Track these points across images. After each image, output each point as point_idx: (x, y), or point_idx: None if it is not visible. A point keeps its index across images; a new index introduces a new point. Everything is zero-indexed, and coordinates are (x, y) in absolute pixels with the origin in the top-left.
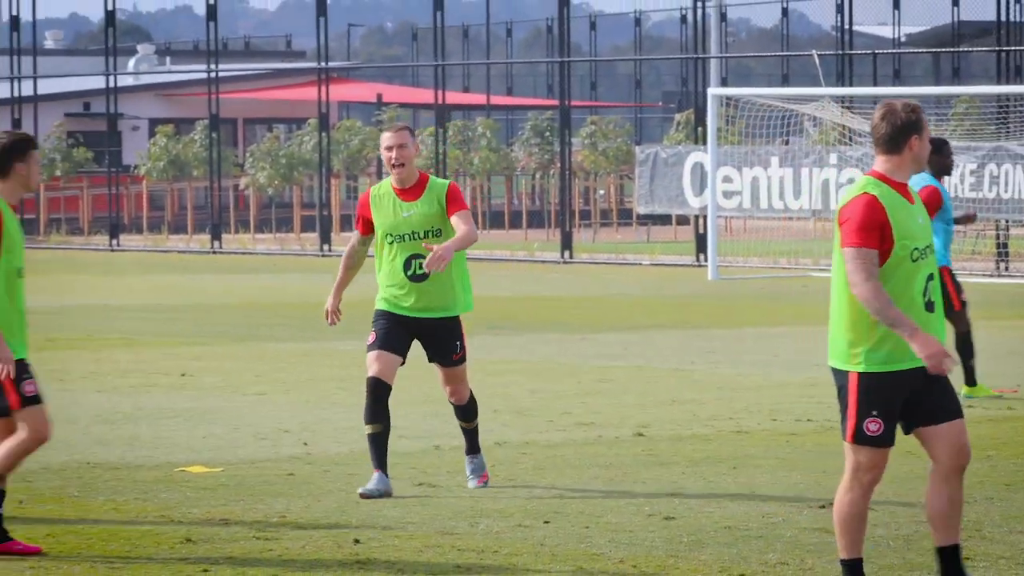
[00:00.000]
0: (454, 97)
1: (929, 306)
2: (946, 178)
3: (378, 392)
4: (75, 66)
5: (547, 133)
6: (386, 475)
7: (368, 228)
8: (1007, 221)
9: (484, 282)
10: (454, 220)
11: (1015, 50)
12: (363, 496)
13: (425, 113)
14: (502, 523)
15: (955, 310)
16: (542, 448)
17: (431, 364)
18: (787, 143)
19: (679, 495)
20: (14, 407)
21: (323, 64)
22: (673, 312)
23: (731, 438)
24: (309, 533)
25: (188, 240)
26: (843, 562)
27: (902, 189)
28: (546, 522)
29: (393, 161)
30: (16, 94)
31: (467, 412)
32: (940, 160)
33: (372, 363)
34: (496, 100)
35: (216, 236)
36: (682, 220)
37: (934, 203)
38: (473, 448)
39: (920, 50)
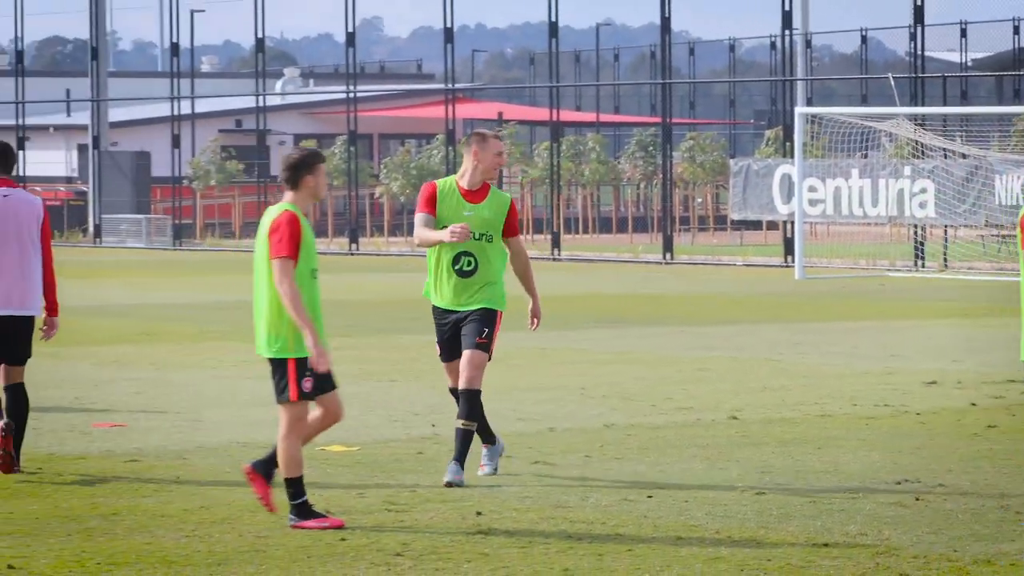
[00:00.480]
0: (567, 115)
1: None
2: None
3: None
4: (228, 87)
5: (650, 147)
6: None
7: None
8: None
9: (593, 281)
10: (514, 244)
11: None
12: (447, 485)
13: (541, 129)
14: (609, 497)
15: None
16: (646, 430)
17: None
18: (866, 156)
19: (769, 472)
20: (293, 399)
21: (450, 85)
22: (763, 308)
23: (816, 421)
24: (436, 506)
25: (329, 243)
26: None
27: None
28: (649, 496)
29: (501, 164)
30: (176, 112)
31: (473, 403)
32: None
33: (449, 374)
34: (605, 118)
35: (354, 239)
36: (772, 225)
37: None
38: (461, 455)
39: (985, 74)
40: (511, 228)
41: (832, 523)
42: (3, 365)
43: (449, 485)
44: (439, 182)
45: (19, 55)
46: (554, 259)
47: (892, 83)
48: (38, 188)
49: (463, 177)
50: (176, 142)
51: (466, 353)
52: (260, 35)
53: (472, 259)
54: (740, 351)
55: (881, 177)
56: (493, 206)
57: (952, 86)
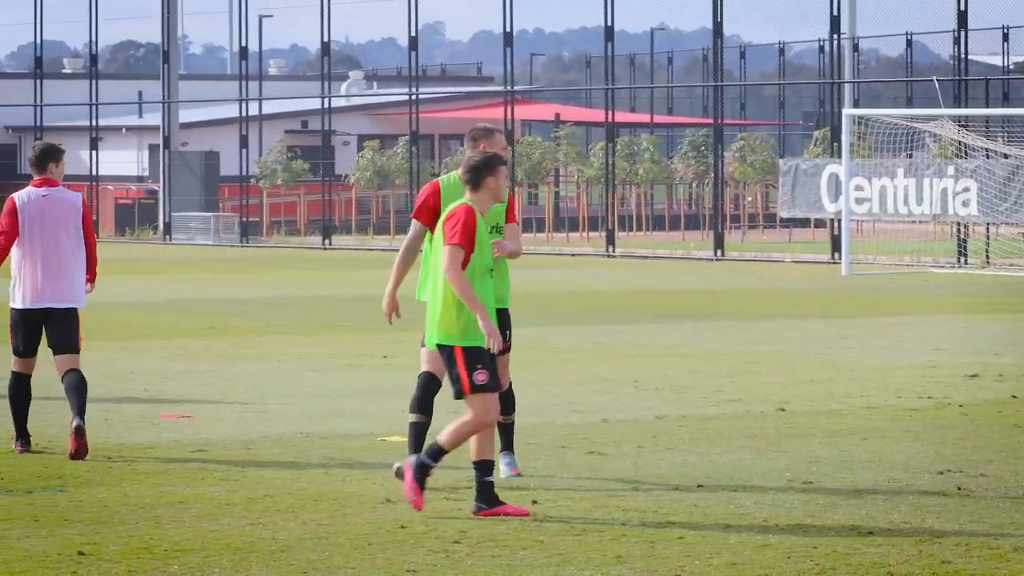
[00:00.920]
0: (622, 116)
1: None
2: None
3: (429, 387)
4: (295, 90)
5: (702, 148)
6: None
7: (433, 220)
8: None
9: (646, 277)
10: (509, 230)
11: None
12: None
13: (596, 130)
14: (661, 487)
15: None
16: (697, 421)
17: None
18: (911, 156)
19: (815, 462)
20: (466, 392)
21: (509, 88)
22: (811, 303)
23: (861, 413)
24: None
25: (391, 239)
26: None
27: None
28: (699, 486)
29: (505, 160)
30: (244, 114)
31: (509, 401)
32: None
33: (425, 361)
34: (658, 119)
35: None
36: (819, 223)
37: None
38: (508, 445)
39: None
40: (509, 215)
41: (876, 512)
42: (56, 357)
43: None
44: (442, 179)
45: (93, 59)
46: (608, 256)
47: (937, 86)
48: (110, 187)
49: None
50: (244, 142)
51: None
52: (326, 39)
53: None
54: (788, 345)
55: (926, 176)
56: None
57: (994, 88)
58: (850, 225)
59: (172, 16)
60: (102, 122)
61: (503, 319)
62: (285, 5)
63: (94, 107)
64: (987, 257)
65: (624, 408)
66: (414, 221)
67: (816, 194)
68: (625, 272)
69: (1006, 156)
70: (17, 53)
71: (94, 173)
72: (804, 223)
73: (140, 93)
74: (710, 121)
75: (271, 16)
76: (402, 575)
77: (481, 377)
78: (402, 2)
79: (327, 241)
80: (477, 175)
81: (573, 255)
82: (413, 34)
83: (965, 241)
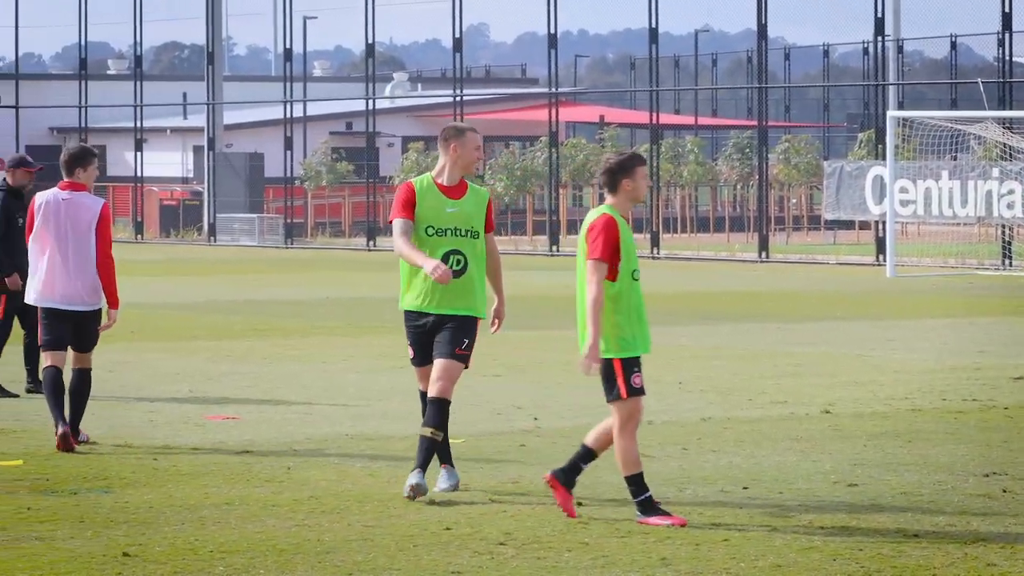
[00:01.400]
0: (666, 118)
1: None
2: None
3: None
4: (339, 91)
5: (747, 149)
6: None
7: (412, 212)
8: None
9: (691, 279)
10: (489, 241)
11: None
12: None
13: (641, 132)
14: (706, 489)
15: None
16: (742, 423)
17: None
18: (955, 159)
19: (860, 464)
20: (623, 396)
21: (553, 89)
22: (856, 305)
23: (906, 415)
24: (538, 497)
25: None
26: None
27: None
28: (744, 488)
29: (479, 159)
30: (288, 115)
31: (443, 413)
32: None
33: (421, 379)
34: (703, 121)
35: None
36: (864, 225)
37: None
38: (424, 463)
39: None
40: (488, 223)
41: (922, 514)
42: (43, 352)
43: (413, 492)
44: (415, 181)
45: (138, 60)
46: (653, 258)
47: (981, 88)
48: (155, 188)
49: (441, 174)
50: (288, 144)
51: (442, 362)
52: (370, 41)
53: (462, 258)
54: (833, 347)
55: (970, 179)
56: (474, 201)
57: None
58: (894, 227)
59: (216, 17)
60: (146, 123)
61: (467, 324)
62: (329, 7)
63: (138, 108)
64: None
65: (669, 410)
66: (404, 220)
67: (860, 196)
68: (670, 274)
69: None
70: (62, 54)
71: (139, 174)
72: (848, 225)
73: (184, 94)
74: (754, 123)
75: (315, 18)
76: None
77: (638, 380)
78: (446, 3)
79: (371, 243)
80: (612, 178)
81: None
82: (457, 35)
83: (1010, 243)
